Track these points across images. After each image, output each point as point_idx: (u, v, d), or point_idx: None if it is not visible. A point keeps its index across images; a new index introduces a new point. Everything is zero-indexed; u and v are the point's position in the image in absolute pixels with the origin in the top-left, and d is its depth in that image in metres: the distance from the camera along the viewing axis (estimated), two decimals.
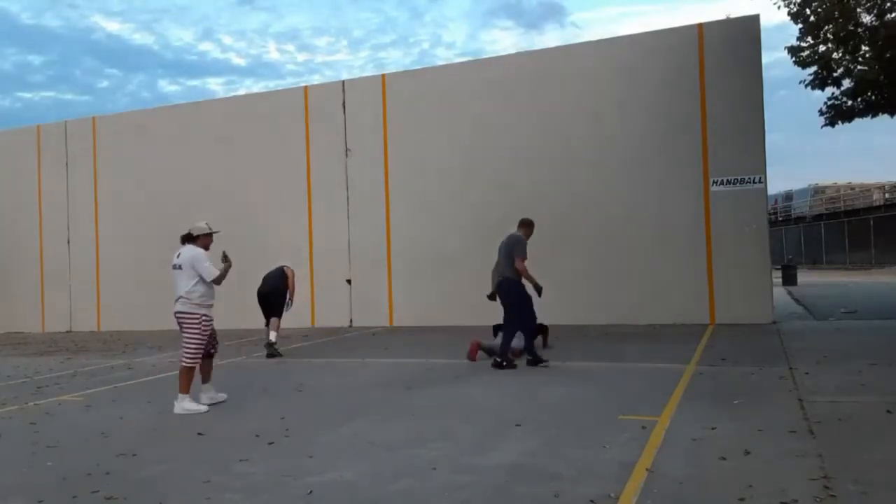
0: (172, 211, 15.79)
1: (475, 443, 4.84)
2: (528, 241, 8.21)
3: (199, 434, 5.42)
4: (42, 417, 6.36)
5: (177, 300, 6.37)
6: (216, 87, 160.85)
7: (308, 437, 5.20)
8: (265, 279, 10.32)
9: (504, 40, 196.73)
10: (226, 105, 16.15)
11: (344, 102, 14.51)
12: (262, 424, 5.62)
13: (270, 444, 5.04)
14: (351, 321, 14.19)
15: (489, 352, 8.53)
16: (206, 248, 6.51)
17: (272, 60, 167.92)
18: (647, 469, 4.07)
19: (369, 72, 77.61)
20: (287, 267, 10.35)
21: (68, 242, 16.92)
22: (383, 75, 14.47)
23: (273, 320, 10.03)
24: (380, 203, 14.14)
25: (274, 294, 10.11)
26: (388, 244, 14.06)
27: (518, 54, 13.98)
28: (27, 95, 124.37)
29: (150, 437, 5.40)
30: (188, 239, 6.51)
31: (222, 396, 6.70)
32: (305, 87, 15.08)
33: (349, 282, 14.32)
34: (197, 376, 6.44)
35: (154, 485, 4.21)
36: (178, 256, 6.41)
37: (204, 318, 6.36)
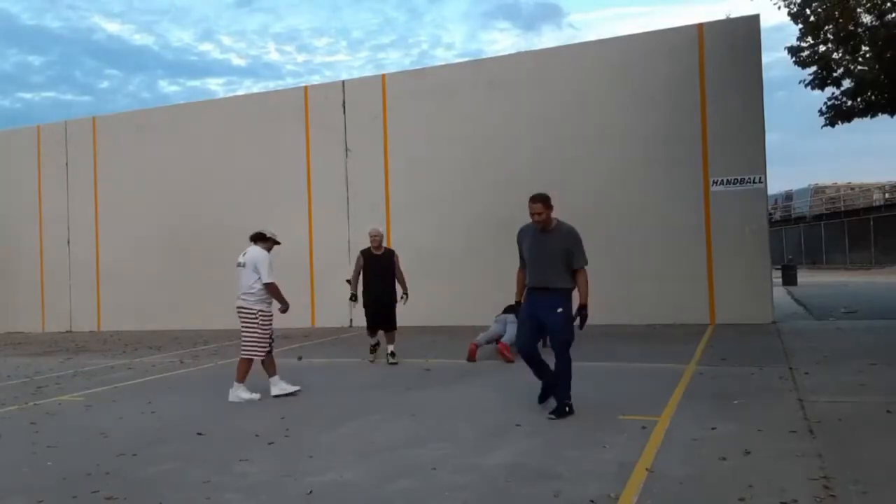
0: (172, 211, 15.82)
1: (475, 443, 4.84)
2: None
3: (199, 434, 5.42)
4: (42, 417, 6.36)
5: (239, 296, 6.78)
6: (216, 87, 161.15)
7: (308, 437, 5.20)
8: None
9: (503, 41, 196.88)
10: (226, 105, 16.14)
11: (344, 102, 14.51)
12: (262, 424, 5.63)
13: (270, 444, 5.05)
14: (351, 321, 14.16)
15: (489, 342, 8.89)
16: (269, 251, 6.88)
17: (272, 61, 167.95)
18: (647, 469, 4.07)
19: (369, 72, 77.49)
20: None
21: (68, 242, 16.92)
22: (383, 75, 14.47)
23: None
24: (380, 203, 14.13)
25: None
26: (388, 244, 14.02)
27: (518, 54, 13.98)
28: (27, 96, 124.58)
29: (150, 437, 5.39)
30: (257, 238, 6.85)
31: (293, 388, 6.89)
32: (305, 88, 15.08)
33: (349, 282, 14.27)
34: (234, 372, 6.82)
35: (154, 485, 4.21)
36: (244, 255, 6.80)
37: (261, 313, 6.73)
